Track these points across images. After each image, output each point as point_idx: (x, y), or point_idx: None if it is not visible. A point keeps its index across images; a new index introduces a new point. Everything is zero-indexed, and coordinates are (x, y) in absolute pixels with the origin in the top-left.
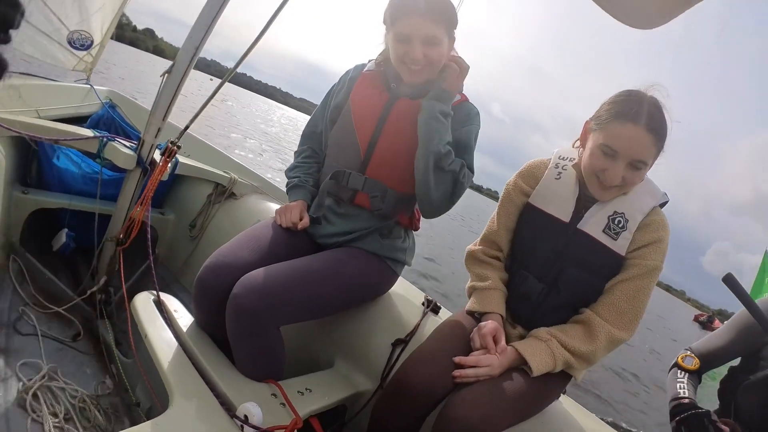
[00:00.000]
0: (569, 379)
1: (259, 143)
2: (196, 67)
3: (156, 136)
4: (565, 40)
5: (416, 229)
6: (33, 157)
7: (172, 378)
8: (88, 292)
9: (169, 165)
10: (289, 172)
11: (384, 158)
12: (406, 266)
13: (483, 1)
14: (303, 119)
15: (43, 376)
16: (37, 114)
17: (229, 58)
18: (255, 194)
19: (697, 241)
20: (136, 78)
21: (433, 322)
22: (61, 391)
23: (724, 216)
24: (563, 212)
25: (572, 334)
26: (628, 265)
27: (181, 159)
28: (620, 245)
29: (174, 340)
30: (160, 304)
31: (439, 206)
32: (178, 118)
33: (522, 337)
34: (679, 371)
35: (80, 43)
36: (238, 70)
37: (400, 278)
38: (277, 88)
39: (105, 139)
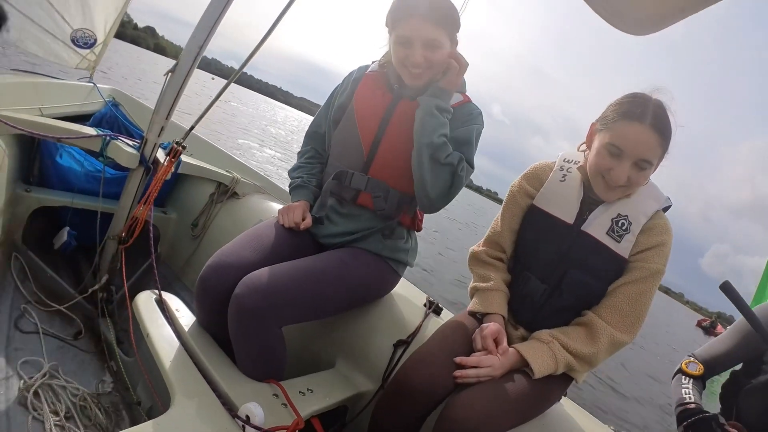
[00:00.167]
0: (570, 381)
1: (275, 152)
2: (198, 66)
3: (159, 135)
4: (566, 41)
5: (419, 229)
6: (36, 155)
7: (173, 377)
8: (90, 290)
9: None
10: (292, 173)
11: (387, 158)
12: (408, 267)
13: (484, 1)
14: (306, 119)
15: (44, 374)
16: (41, 112)
17: (231, 57)
18: (257, 194)
19: (696, 243)
20: (138, 77)
21: (434, 323)
22: (62, 390)
23: (723, 218)
24: (567, 214)
25: (574, 336)
26: (631, 267)
27: (184, 158)
28: (623, 248)
29: (176, 339)
30: (162, 303)
31: (437, 200)
32: (180, 119)
33: (524, 339)
34: (683, 377)
35: (83, 41)
36: (234, 67)
37: (401, 279)
38: (278, 87)
39: (108, 138)
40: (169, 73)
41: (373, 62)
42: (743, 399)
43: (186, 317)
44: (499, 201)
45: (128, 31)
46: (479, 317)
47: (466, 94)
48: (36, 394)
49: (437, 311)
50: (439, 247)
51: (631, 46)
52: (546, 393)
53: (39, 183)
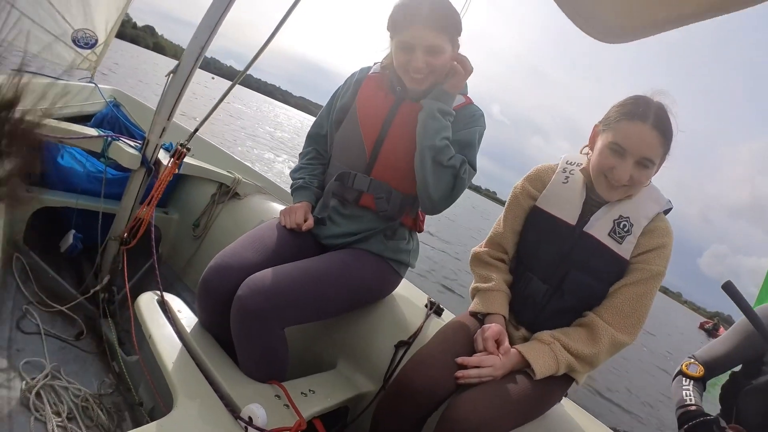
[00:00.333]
0: (571, 382)
1: (288, 157)
2: None
3: (161, 136)
4: (566, 41)
5: (420, 230)
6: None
7: (176, 379)
8: (92, 291)
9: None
10: (293, 174)
11: (389, 160)
12: (409, 268)
13: (484, 1)
14: (306, 119)
15: (46, 375)
16: (41, 112)
17: (230, 56)
18: (259, 194)
19: (695, 244)
20: (139, 77)
21: (436, 324)
22: (65, 390)
23: (721, 219)
24: (570, 215)
25: (575, 337)
26: (632, 269)
27: (186, 159)
28: (625, 249)
29: (178, 340)
30: (164, 304)
31: (440, 202)
32: (180, 120)
33: (525, 339)
34: (684, 378)
35: (85, 41)
36: (240, 69)
37: (403, 280)
38: (277, 86)
39: (109, 139)
40: (171, 74)
41: (375, 63)
42: (743, 400)
43: (188, 318)
44: (498, 201)
45: (128, 30)
46: (480, 318)
47: (468, 95)
48: (38, 395)
49: (438, 312)
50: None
51: (629, 48)
52: (547, 393)
53: (40, 183)
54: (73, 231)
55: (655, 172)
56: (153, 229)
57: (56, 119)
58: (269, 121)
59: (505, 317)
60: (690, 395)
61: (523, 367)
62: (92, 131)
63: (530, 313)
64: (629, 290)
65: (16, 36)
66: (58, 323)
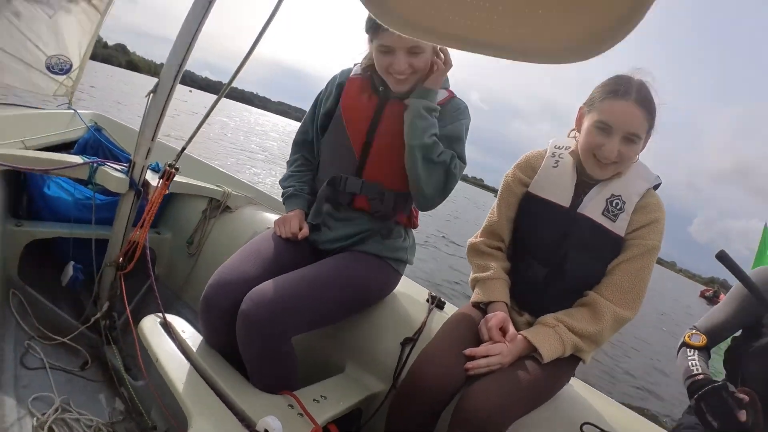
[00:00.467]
0: (578, 362)
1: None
2: None
3: (147, 157)
4: None
5: (415, 226)
6: (23, 188)
7: (188, 399)
8: (92, 319)
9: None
10: (283, 182)
11: (379, 160)
12: (408, 264)
13: None
14: (289, 124)
15: (57, 409)
16: (24, 144)
17: (204, 67)
18: (250, 206)
19: (683, 212)
20: (116, 99)
21: (439, 318)
22: (76, 422)
23: (707, 186)
24: (563, 198)
25: (578, 317)
26: (628, 245)
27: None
28: (619, 227)
29: (185, 361)
30: (166, 326)
31: (433, 198)
32: (164, 139)
33: (530, 324)
34: (688, 349)
35: (59, 67)
36: (215, 80)
37: (402, 277)
38: (255, 93)
39: (95, 165)
40: (151, 94)
41: (355, 65)
42: (747, 363)
43: (192, 337)
44: (486, 187)
45: (99, 51)
46: (483, 307)
47: (450, 89)
48: (50, 430)
49: (440, 306)
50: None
51: None
52: (556, 376)
53: (29, 216)
54: (72, 262)
55: (642, 148)
56: (148, 251)
57: (39, 149)
58: (255, 131)
59: (507, 304)
60: (696, 365)
61: (531, 352)
62: (77, 159)
63: (532, 297)
64: (627, 266)
65: None
66: (62, 355)
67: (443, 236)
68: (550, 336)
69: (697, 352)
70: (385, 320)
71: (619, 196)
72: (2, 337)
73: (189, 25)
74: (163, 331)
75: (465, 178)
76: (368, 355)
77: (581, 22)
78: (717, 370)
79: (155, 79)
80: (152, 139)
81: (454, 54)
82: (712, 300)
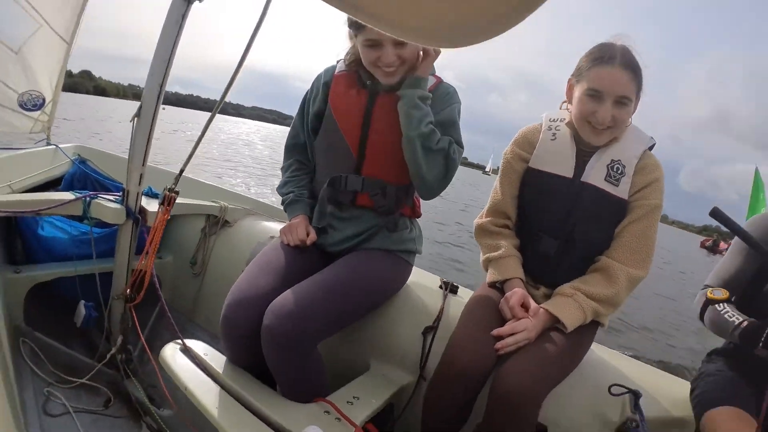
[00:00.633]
0: (597, 326)
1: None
2: (138, 97)
3: (140, 184)
4: None
5: (419, 216)
6: (16, 233)
7: (224, 422)
8: (108, 355)
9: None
10: (281, 189)
11: (377, 155)
12: (417, 254)
13: None
14: (268, 128)
15: None
16: (11, 189)
17: (174, 82)
18: (248, 217)
19: (670, 165)
20: (91, 129)
21: (455, 303)
22: None
23: (689, 136)
24: (566, 169)
25: (594, 283)
26: (633, 207)
27: None
28: (622, 190)
29: (213, 384)
30: (187, 351)
31: (436, 186)
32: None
33: (547, 297)
34: (717, 306)
35: (32, 103)
36: (186, 93)
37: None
38: (228, 101)
39: (87, 199)
40: (135, 118)
41: (338, 62)
42: (760, 305)
43: (216, 359)
44: (472, 165)
45: (65, 80)
46: (499, 286)
47: (437, 74)
48: None
49: (454, 290)
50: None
51: None
52: (580, 343)
53: (26, 260)
54: (82, 301)
55: (634, 110)
56: (155, 278)
57: (26, 191)
58: (240, 141)
59: (522, 280)
60: (733, 315)
61: (554, 324)
62: (68, 195)
63: (546, 270)
64: (634, 227)
65: None
66: (84, 396)
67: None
68: (570, 305)
69: (725, 303)
70: (403, 312)
71: (619, 160)
72: (21, 389)
73: (164, 44)
74: (185, 357)
75: None
76: (391, 349)
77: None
78: None
79: (126, 102)
80: (143, 165)
81: None
82: (714, 249)
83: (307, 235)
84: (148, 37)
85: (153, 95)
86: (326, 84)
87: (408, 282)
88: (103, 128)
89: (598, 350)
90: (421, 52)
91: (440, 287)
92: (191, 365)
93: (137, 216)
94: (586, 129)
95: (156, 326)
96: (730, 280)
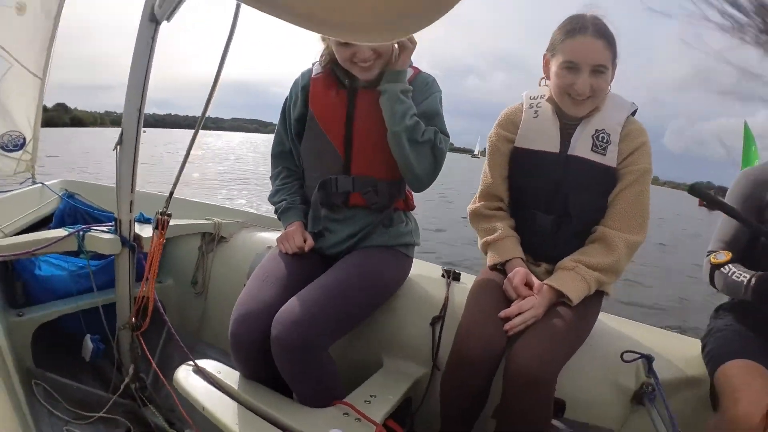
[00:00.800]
0: (602, 296)
1: None
2: (116, 123)
3: (131, 211)
4: None
5: (412, 208)
6: (14, 276)
7: None
8: (122, 386)
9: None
10: (272, 198)
11: (364, 153)
12: (416, 246)
13: None
14: (251, 138)
15: None
16: (2, 233)
17: (151, 104)
18: (243, 230)
19: (654, 127)
20: (73, 163)
21: (460, 290)
22: None
23: (671, 96)
24: (551, 144)
25: (593, 253)
26: (622, 174)
27: None
28: (610, 159)
29: (231, 400)
30: (200, 372)
31: (426, 178)
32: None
33: (549, 273)
34: (723, 268)
35: (13, 144)
36: (164, 113)
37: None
38: (207, 115)
39: (81, 233)
40: (118, 146)
41: (313, 64)
42: (759, 258)
43: (229, 375)
44: (458, 150)
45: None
46: (500, 268)
47: (414, 65)
48: None
49: (456, 278)
50: None
51: None
52: (587, 315)
53: (27, 302)
54: (88, 335)
55: (612, 78)
56: (159, 303)
57: (18, 233)
58: (229, 155)
59: (522, 259)
60: (741, 274)
61: (559, 298)
62: (60, 232)
63: (544, 246)
64: (626, 194)
65: None
66: (103, 430)
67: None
68: (572, 278)
69: (729, 265)
70: (409, 305)
71: (603, 129)
72: (40, 431)
73: (137, 68)
74: (198, 377)
75: None
76: (401, 343)
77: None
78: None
79: (105, 129)
80: (132, 191)
81: None
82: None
83: (305, 241)
84: (117, 63)
85: (133, 120)
86: (305, 88)
87: (410, 275)
88: (88, 160)
89: (606, 319)
90: (396, 46)
91: (442, 276)
92: (206, 385)
93: (132, 243)
94: (567, 102)
95: (165, 350)
96: (731, 241)
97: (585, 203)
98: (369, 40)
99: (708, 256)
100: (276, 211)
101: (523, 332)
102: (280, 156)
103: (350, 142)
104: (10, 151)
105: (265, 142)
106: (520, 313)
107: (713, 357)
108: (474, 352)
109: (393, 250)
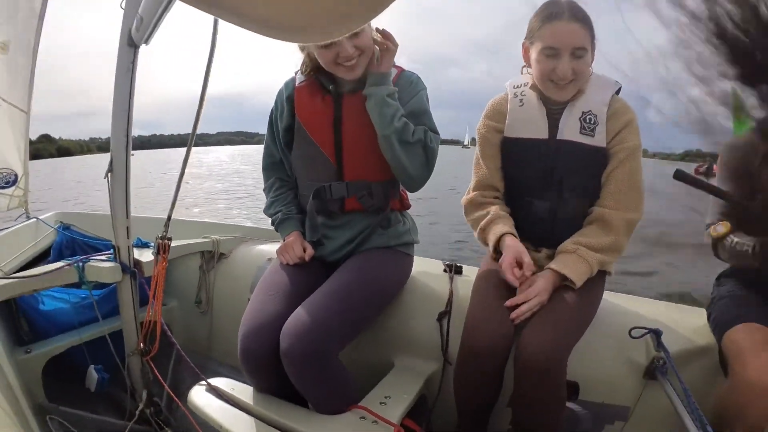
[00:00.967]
0: (605, 276)
1: None
2: (103, 149)
3: (128, 237)
4: None
5: (408, 207)
6: (18, 314)
7: None
8: (137, 412)
9: (152, 256)
10: (268, 210)
11: (356, 157)
12: (415, 244)
13: None
14: (241, 150)
15: None
16: (2, 271)
17: (135, 126)
18: (242, 244)
19: (636, 102)
20: (64, 195)
21: (463, 283)
22: None
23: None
24: (540, 131)
25: (592, 234)
26: (612, 153)
27: None
28: (599, 139)
29: (247, 416)
30: (214, 390)
31: (420, 178)
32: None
33: (550, 258)
34: (725, 241)
35: (5, 181)
36: (149, 135)
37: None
38: (190, 133)
39: (80, 264)
40: (109, 173)
41: (296, 73)
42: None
43: (243, 391)
44: (448, 142)
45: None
46: (500, 252)
47: (396, 64)
48: None
49: (458, 271)
50: None
51: None
52: (591, 296)
53: (34, 338)
54: (91, 365)
55: (592, 59)
56: (167, 327)
57: (17, 271)
58: (224, 171)
59: (514, 235)
60: (744, 244)
61: (562, 282)
62: (59, 265)
63: (543, 232)
64: (618, 173)
65: None
66: None
67: None
68: (574, 261)
69: (731, 236)
70: (414, 303)
71: (589, 111)
72: None
73: (120, 93)
74: (213, 396)
75: None
76: (410, 342)
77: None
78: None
79: (93, 156)
80: (127, 217)
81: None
82: (708, 174)
83: (304, 250)
84: (95, 88)
85: (121, 146)
86: (289, 98)
87: (412, 273)
88: (81, 190)
89: (610, 298)
90: (377, 48)
91: (445, 270)
92: (221, 403)
93: (133, 269)
94: (550, 87)
95: (176, 372)
96: (728, 211)
97: (578, 186)
98: (304, 39)
99: (707, 229)
100: (273, 223)
101: (530, 320)
102: (271, 168)
103: (340, 148)
104: (2, 188)
105: (254, 152)
106: (526, 301)
107: (719, 324)
108: (483, 345)
109: (393, 250)
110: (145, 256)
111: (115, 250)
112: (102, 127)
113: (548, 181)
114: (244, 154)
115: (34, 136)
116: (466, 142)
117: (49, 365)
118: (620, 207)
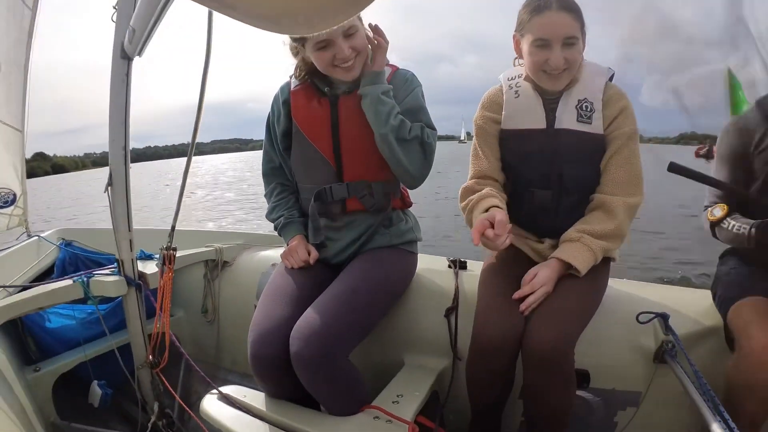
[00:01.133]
0: (609, 262)
1: None
2: (98, 164)
3: (132, 250)
4: None
5: (410, 205)
6: (24, 333)
7: None
8: (149, 424)
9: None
10: (270, 215)
11: (355, 158)
12: (419, 242)
13: None
14: (235, 157)
15: None
16: (7, 291)
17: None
18: (245, 251)
19: (630, 85)
20: (64, 212)
21: (468, 278)
22: None
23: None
24: (537, 121)
25: (595, 221)
26: (610, 140)
27: None
28: (596, 126)
29: (261, 422)
30: (226, 398)
31: (419, 174)
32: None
33: (553, 248)
34: (722, 224)
35: (3, 200)
36: (143, 147)
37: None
38: (186, 143)
39: (84, 279)
40: (109, 187)
41: (290, 77)
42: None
43: (255, 398)
44: (443, 137)
45: None
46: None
47: (391, 63)
48: None
49: (463, 266)
50: None
51: None
52: (597, 283)
53: (42, 356)
54: (94, 381)
55: (584, 47)
56: (175, 338)
57: (22, 291)
58: (228, 180)
59: (500, 207)
60: (741, 226)
61: (567, 270)
62: (64, 282)
63: (546, 222)
64: (617, 159)
65: None
66: None
67: None
68: (578, 249)
69: (728, 218)
70: (421, 300)
71: (585, 98)
72: None
73: (116, 107)
74: (224, 404)
75: None
76: (419, 339)
77: None
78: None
79: (89, 171)
80: (129, 230)
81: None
82: (708, 156)
83: (309, 254)
84: (87, 104)
85: (119, 160)
86: (285, 102)
87: (417, 270)
88: (80, 207)
89: (616, 284)
90: (370, 47)
91: (449, 266)
92: (233, 411)
93: (138, 282)
94: (544, 78)
95: (186, 382)
96: (725, 194)
97: (580, 174)
98: (288, 30)
99: (705, 211)
100: (275, 228)
101: (536, 310)
102: (271, 173)
103: (339, 149)
104: (1, 207)
105: (252, 158)
106: (532, 292)
107: (723, 301)
108: (493, 339)
109: (397, 249)
110: (149, 267)
111: (119, 264)
112: (96, 141)
113: (549, 171)
114: (242, 160)
115: (28, 155)
116: (462, 137)
117: (58, 382)
118: (620, 192)
